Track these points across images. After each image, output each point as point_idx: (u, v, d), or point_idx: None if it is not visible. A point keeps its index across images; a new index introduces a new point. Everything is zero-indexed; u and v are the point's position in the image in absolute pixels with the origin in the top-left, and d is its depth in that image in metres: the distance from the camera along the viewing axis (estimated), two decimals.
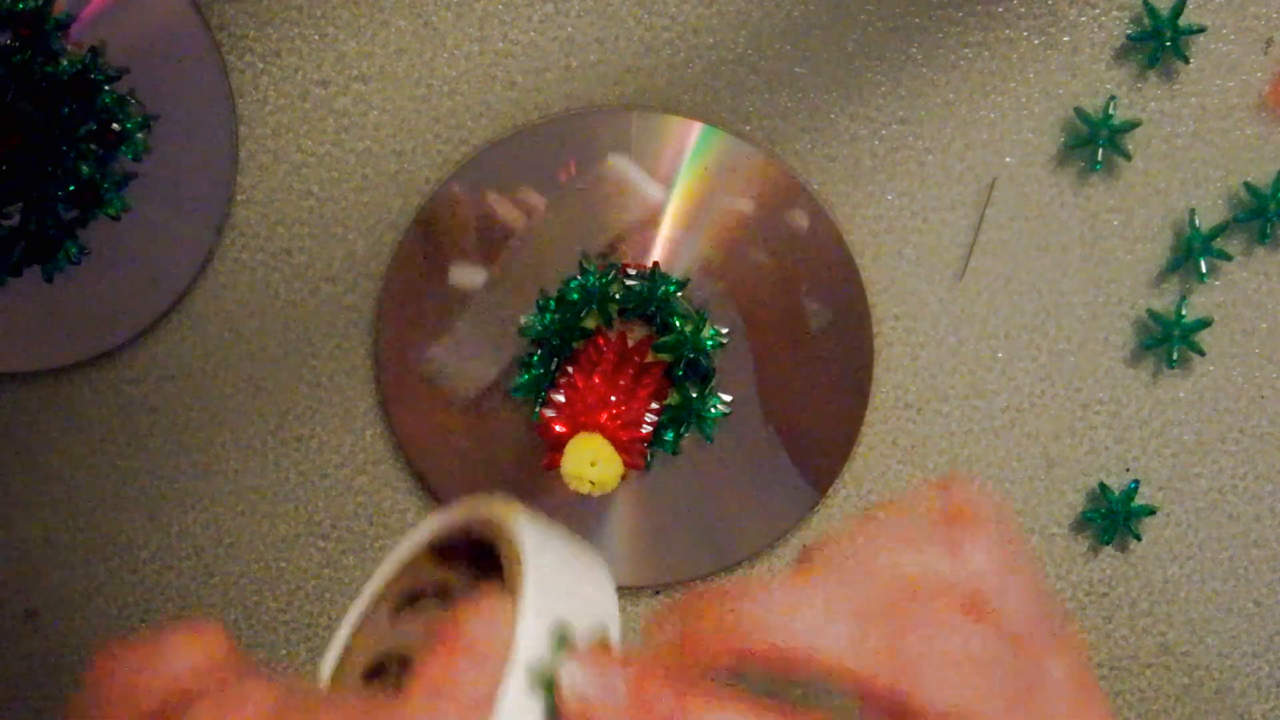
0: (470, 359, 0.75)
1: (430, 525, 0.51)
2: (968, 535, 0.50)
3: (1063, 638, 0.51)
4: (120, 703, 0.50)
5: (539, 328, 0.73)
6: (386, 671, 0.50)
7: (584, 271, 0.72)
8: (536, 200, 0.73)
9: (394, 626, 0.51)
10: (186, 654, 0.50)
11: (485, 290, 0.74)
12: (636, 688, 0.47)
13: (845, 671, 0.47)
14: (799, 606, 0.48)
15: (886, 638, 0.47)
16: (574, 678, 0.46)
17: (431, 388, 0.75)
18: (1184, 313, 0.74)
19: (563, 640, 0.46)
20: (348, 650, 0.50)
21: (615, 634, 0.49)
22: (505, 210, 0.72)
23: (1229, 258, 0.73)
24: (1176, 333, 0.74)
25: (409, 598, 0.51)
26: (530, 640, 0.46)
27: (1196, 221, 0.73)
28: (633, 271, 0.72)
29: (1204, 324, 0.74)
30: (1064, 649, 0.51)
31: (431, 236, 0.74)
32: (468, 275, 0.72)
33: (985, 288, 0.75)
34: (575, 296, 0.72)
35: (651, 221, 0.73)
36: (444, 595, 0.52)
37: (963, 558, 0.49)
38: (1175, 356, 0.74)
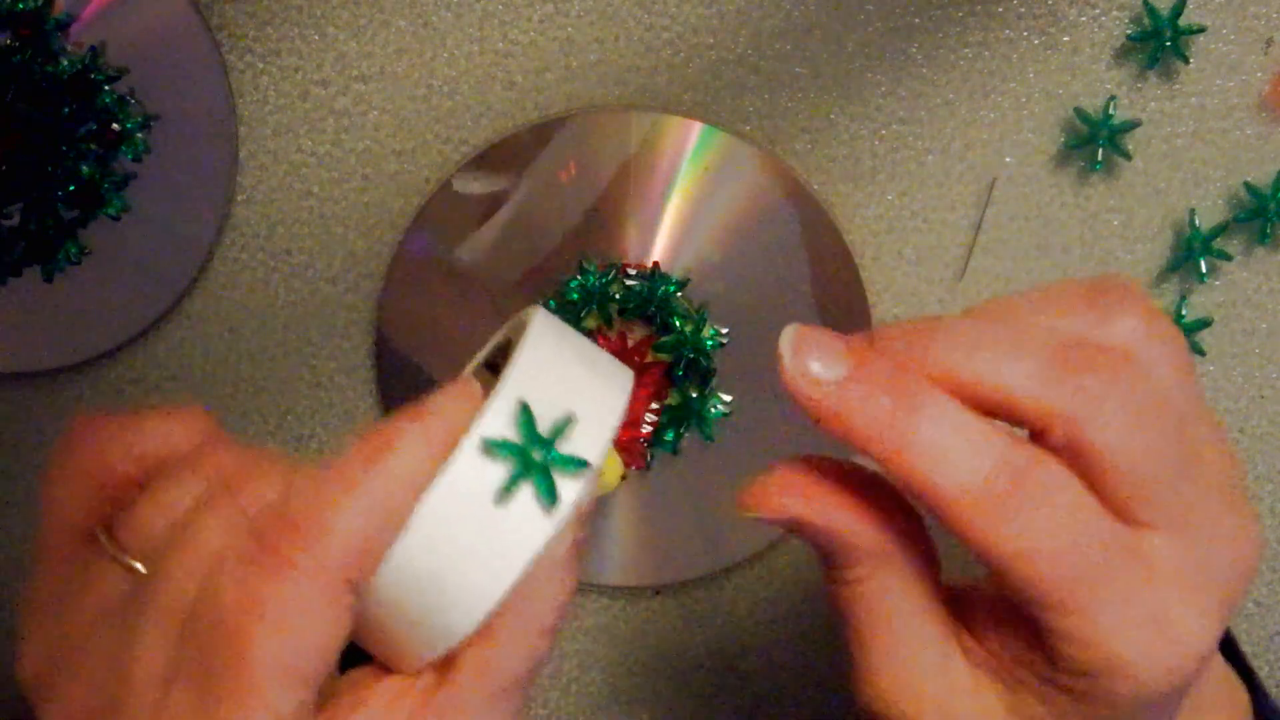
0: (470, 358, 0.75)
1: (484, 349, 0.54)
2: (1116, 304, 0.50)
3: (1213, 425, 0.52)
4: (90, 472, 0.51)
5: None
6: None
7: (584, 271, 0.72)
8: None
9: None
10: (166, 430, 0.52)
11: (485, 289, 0.74)
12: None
13: (1033, 405, 0.48)
14: (984, 343, 0.49)
15: (1068, 376, 0.48)
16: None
17: (432, 388, 0.75)
18: (1184, 313, 0.74)
19: (528, 423, 0.47)
20: None
21: (607, 434, 0.49)
22: None
23: (1229, 258, 0.73)
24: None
25: None
26: (492, 417, 0.47)
27: (1196, 221, 0.73)
28: (633, 271, 0.72)
29: (1204, 324, 0.74)
30: (1217, 437, 0.51)
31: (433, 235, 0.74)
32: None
33: (985, 288, 0.75)
34: (575, 296, 0.72)
35: (652, 221, 0.73)
36: None
37: (1113, 324, 0.50)
38: None
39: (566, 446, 0.48)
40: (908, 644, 0.52)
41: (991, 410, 0.49)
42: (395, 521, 0.46)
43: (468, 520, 0.46)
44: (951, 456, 0.48)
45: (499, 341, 0.54)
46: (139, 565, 0.48)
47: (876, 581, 0.52)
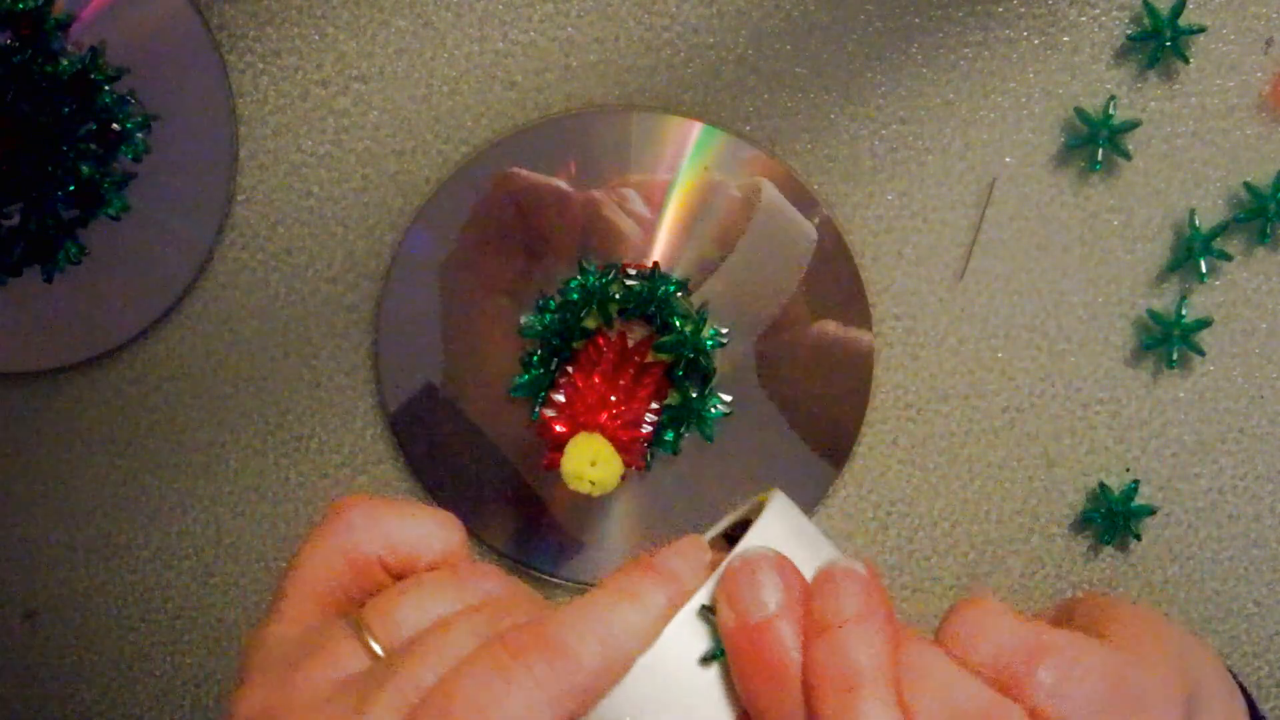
0: (471, 359, 0.75)
1: (728, 519, 0.57)
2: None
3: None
4: (347, 550, 0.54)
5: (539, 328, 0.73)
6: None
7: (584, 271, 0.72)
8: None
9: None
10: (424, 531, 0.55)
11: (486, 290, 0.74)
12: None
13: None
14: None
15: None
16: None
17: (432, 388, 0.75)
18: (1184, 313, 0.74)
19: None
20: None
21: None
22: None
23: (1229, 258, 0.73)
24: (1176, 333, 0.74)
25: None
26: (712, 587, 0.50)
27: (1196, 221, 0.73)
28: (633, 271, 0.72)
29: (1204, 324, 0.74)
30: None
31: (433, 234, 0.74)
32: None
33: (985, 288, 0.75)
34: (575, 296, 0.72)
35: (652, 224, 0.73)
36: None
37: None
38: (1175, 356, 0.74)
39: None
40: None
41: None
42: (622, 665, 0.49)
43: (675, 678, 0.50)
44: None
45: (740, 516, 0.57)
46: (379, 649, 0.50)
47: None
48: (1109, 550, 0.77)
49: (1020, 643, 0.52)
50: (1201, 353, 0.74)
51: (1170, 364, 0.74)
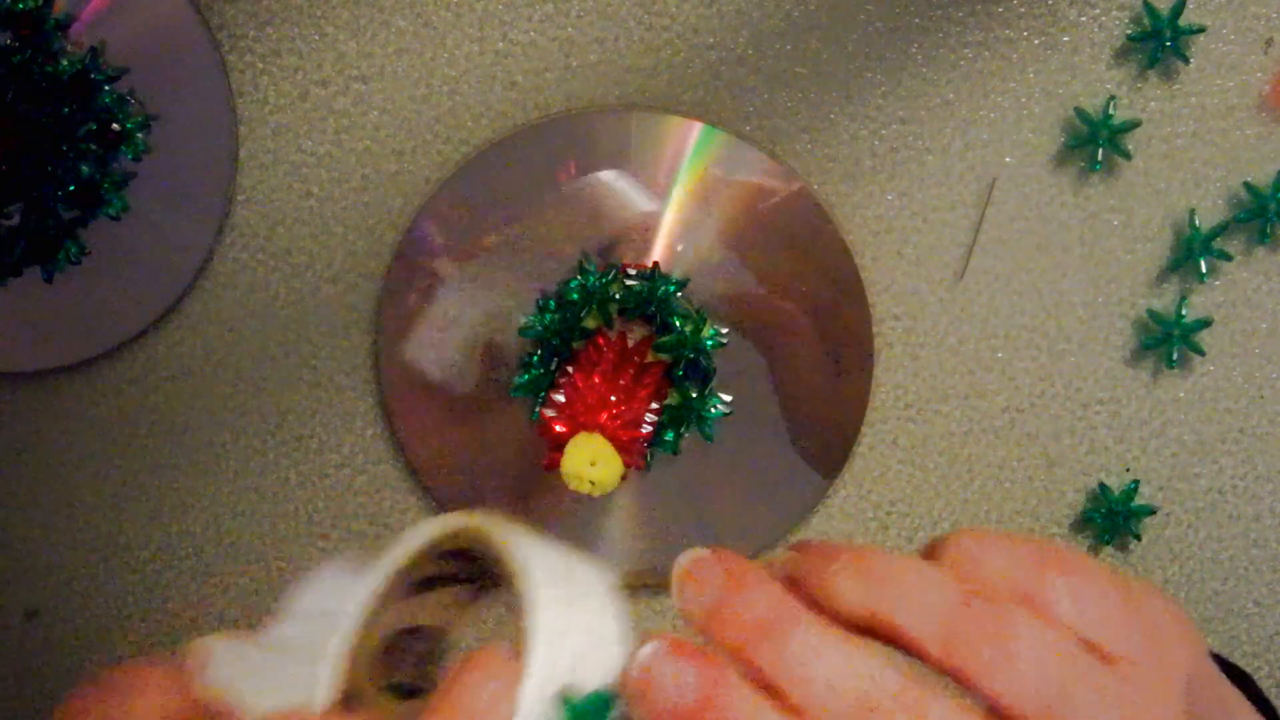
0: (470, 358, 0.75)
1: (425, 532, 0.52)
2: (1077, 579, 0.50)
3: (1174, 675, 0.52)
4: None
5: (539, 328, 0.73)
6: (403, 648, 0.52)
7: (584, 271, 0.72)
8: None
9: (409, 607, 0.52)
10: (150, 705, 0.51)
11: (486, 290, 0.74)
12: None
13: (929, 657, 0.47)
14: (906, 587, 0.48)
15: (980, 636, 0.47)
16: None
17: (432, 388, 0.75)
18: (1184, 313, 0.74)
19: (566, 700, 0.47)
20: (361, 631, 0.50)
21: (619, 662, 0.48)
22: None
23: (1229, 258, 0.73)
24: (1176, 333, 0.74)
25: (421, 584, 0.53)
26: (531, 704, 0.46)
27: (1196, 221, 0.73)
28: (633, 271, 0.72)
29: (1204, 324, 0.74)
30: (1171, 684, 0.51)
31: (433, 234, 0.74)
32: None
33: (985, 288, 0.75)
34: (575, 296, 0.72)
35: (651, 222, 0.73)
36: (457, 580, 0.53)
37: (1069, 601, 0.50)
38: (1175, 356, 0.74)
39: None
40: None
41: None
42: None
43: None
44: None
45: (447, 534, 0.53)
46: None
47: None
48: (1109, 550, 0.77)
49: (1026, 555, 0.50)
50: (1201, 352, 0.74)
51: (1170, 364, 0.74)
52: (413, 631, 0.54)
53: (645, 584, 0.77)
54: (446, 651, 0.54)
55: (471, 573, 0.54)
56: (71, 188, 0.72)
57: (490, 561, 0.51)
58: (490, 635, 0.48)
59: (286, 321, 0.76)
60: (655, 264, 0.72)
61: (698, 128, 0.72)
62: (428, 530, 0.52)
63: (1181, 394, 0.76)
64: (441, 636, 0.54)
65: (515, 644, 0.48)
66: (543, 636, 0.48)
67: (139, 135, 0.73)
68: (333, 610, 0.52)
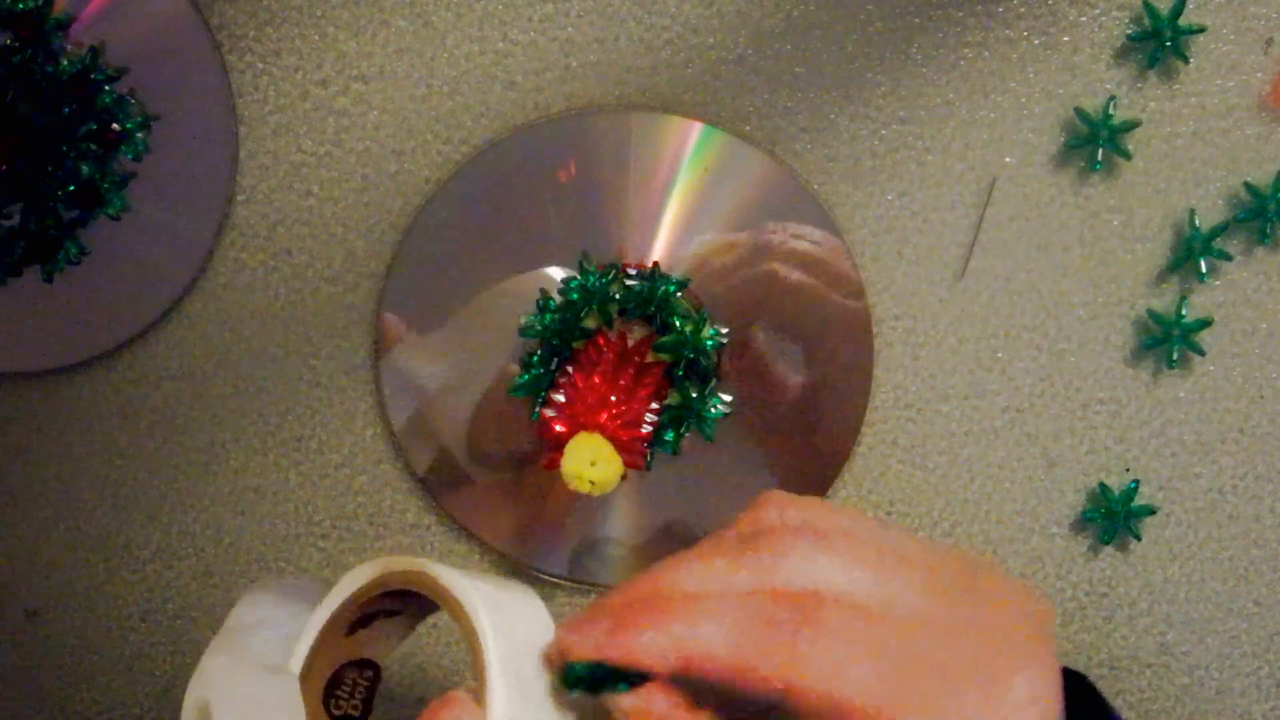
0: (471, 359, 0.75)
1: (366, 573, 0.55)
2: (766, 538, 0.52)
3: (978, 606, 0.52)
4: None
5: (539, 328, 0.73)
6: (347, 681, 0.57)
7: (584, 271, 0.72)
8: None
9: (350, 642, 0.56)
10: None
11: (486, 290, 0.74)
12: None
13: (745, 674, 0.49)
14: (697, 610, 0.50)
15: (780, 642, 0.49)
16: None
17: (431, 389, 0.75)
18: (1184, 313, 0.74)
19: None
20: (307, 667, 0.55)
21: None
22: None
23: (1229, 258, 0.73)
24: (1176, 332, 0.74)
25: (359, 622, 0.56)
26: None
27: (1196, 221, 0.73)
28: (633, 271, 0.72)
29: (1204, 324, 0.74)
30: (974, 623, 0.51)
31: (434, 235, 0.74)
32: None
33: (985, 288, 0.75)
34: (575, 296, 0.72)
35: (651, 222, 0.73)
36: (395, 613, 0.56)
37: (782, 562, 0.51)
38: (1175, 356, 0.74)
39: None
40: None
41: None
42: None
43: None
44: None
45: (379, 582, 0.56)
46: None
47: None
48: (1109, 550, 0.77)
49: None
50: (1201, 353, 0.74)
51: (1170, 364, 0.74)
52: (356, 664, 0.57)
53: None
54: (381, 682, 0.57)
55: (406, 608, 0.56)
56: (71, 188, 0.72)
57: (429, 599, 0.53)
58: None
59: (286, 321, 0.76)
60: (655, 264, 0.72)
61: (698, 128, 0.72)
62: (369, 571, 0.55)
63: (1181, 394, 0.76)
64: (379, 669, 0.57)
65: (475, 685, 0.52)
66: (497, 669, 0.51)
67: (139, 135, 0.73)
68: (284, 635, 0.57)
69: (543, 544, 0.77)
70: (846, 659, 0.48)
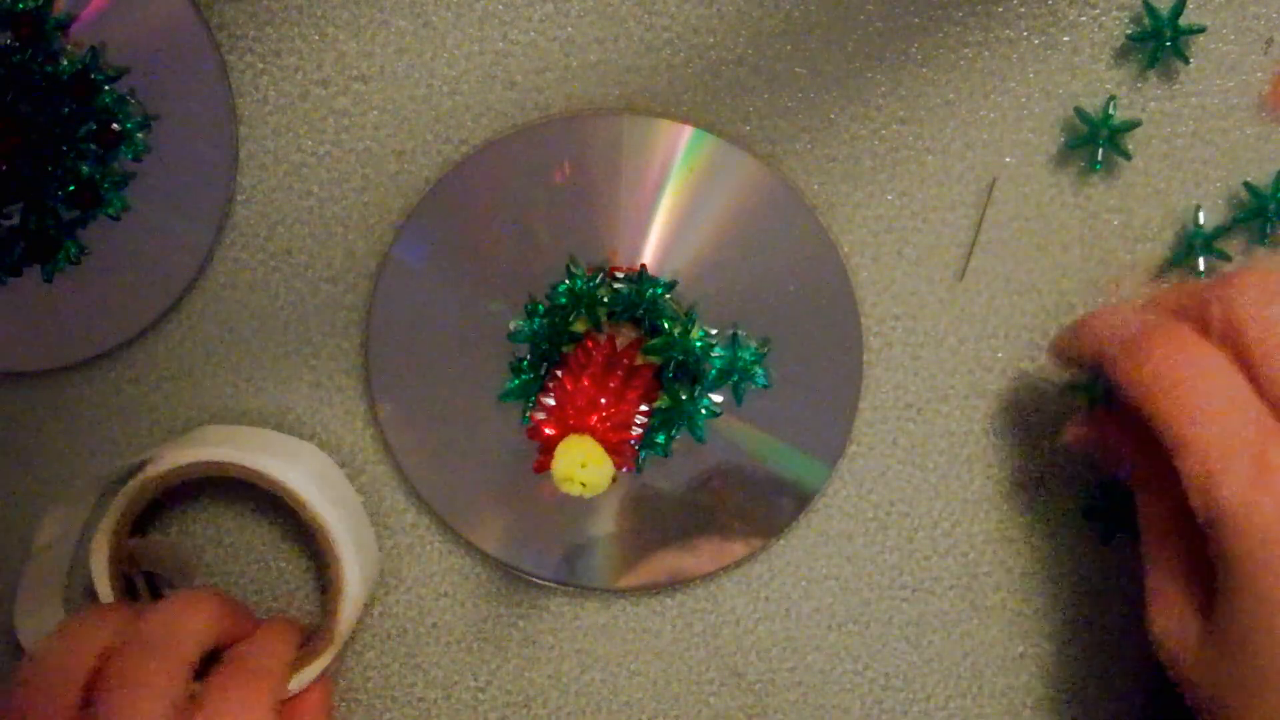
0: (461, 360, 0.75)
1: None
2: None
3: None
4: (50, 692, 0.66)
5: (527, 332, 0.73)
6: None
7: (572, 275, 0.72)
8: None
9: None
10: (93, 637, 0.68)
11: (475, 294, 0.74)
12: None
13: None
14: None
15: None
16: None
17: (421, 390, 0.75)
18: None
19: None
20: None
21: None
22: None
23: (1228, 258, 0.73)
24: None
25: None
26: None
27: (1201, 219, 0.73)
28: (621, 274, 0.72)
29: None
30: None
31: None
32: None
33: (985, 288, 0.75)
34: (563, 300, 0.72)
35: (641, 225, 0.73)
36: None
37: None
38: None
39: None
40: (1170, 597, 0.64)
41: None
42: None
43: None
44: None
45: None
46: None
47: (1153, 518, 0.67)
48: (1109, 550, 0.77)
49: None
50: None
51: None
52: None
53: (643, 585, 0.77)
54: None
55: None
56: (71, 188, 0.72)
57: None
58: None
59: (286, 321, 0.76)
60: (643, 266, 0.72)
61: (688, 131, 0.72)
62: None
63: None
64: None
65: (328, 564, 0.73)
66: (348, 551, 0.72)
67: (139, 135, 0.73)
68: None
69: (533, 547, 0.77)
70: None
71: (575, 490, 0.66)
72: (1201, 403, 0.59)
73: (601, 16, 0.73)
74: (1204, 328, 0.62)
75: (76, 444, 0.78)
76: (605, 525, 0.76)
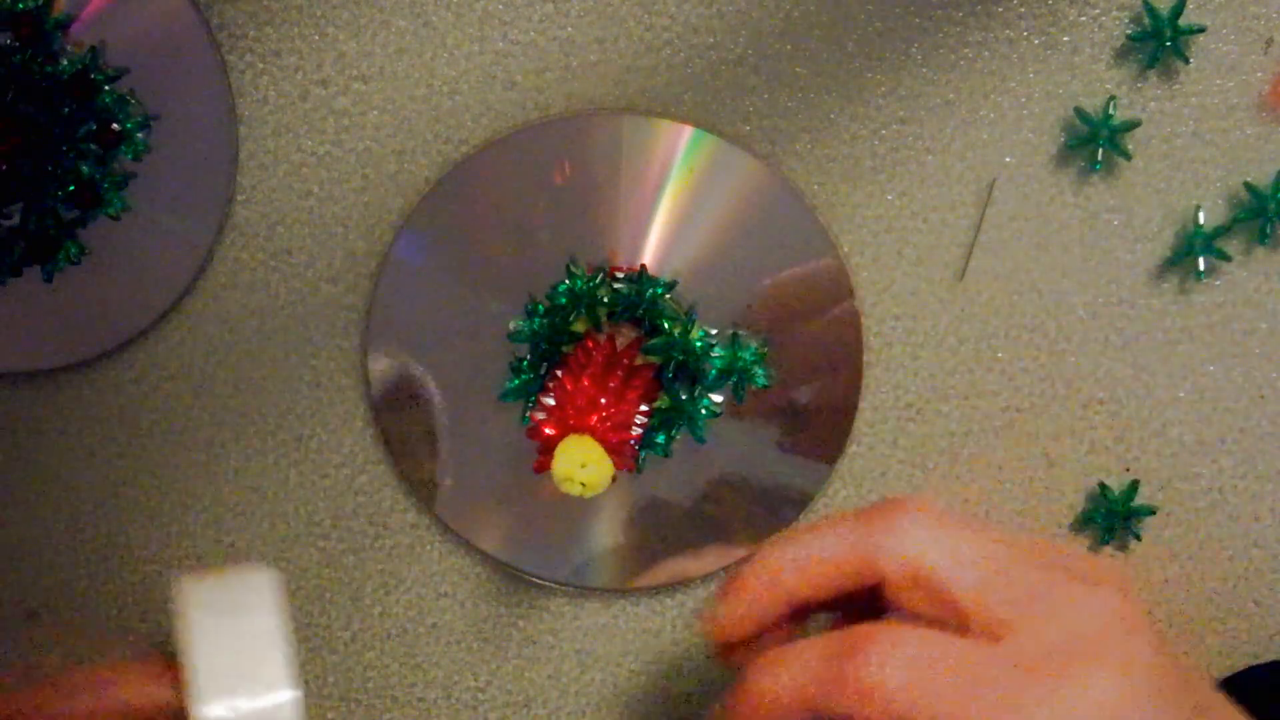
0: (460, 363, 0.75)
1: None
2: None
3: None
4: None
5: (527, 332, 0.73)
6: None
7: (572, 275, 0.72)
8: None
9: None
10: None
11: (475, 294, 0.74)
12: None
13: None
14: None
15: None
16: None
17: (421, 390, 0.75)
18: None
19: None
20: None
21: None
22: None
23: (1228, 258, 0.73)
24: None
25: None
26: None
27: (1201, 218, 0.73)
28: (620, 275, 0.72)
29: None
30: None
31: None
32: None
33: (985, 288, 0.75)
34: (563, 300, 0.72)
35: (641, 225, 0.73)
36: None
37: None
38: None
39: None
40: None
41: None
42: None
43: None
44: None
45: None
46: None
47: None
48: (1109, 550, 0.77)
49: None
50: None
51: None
52: None
53: (644, 585, 0.77)
54: None
55: None
56: (71, 188, 0.72)
57: None
58: None
59: (286, 321, 0.76)
60: (643, 266, 0.72)
61: (688, 131, 0.72)
62: None
63: (1181, 394, 0.76)
64: None
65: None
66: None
67: (139, 135, 0.73)
68: None
69: (533, 547, 0.77)
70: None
71: (575, 490, 0.66)
72: None
73: (601, 16, 0.73)
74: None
75: (76, 444, 0.78)
76: (605, 525, 0.76)
